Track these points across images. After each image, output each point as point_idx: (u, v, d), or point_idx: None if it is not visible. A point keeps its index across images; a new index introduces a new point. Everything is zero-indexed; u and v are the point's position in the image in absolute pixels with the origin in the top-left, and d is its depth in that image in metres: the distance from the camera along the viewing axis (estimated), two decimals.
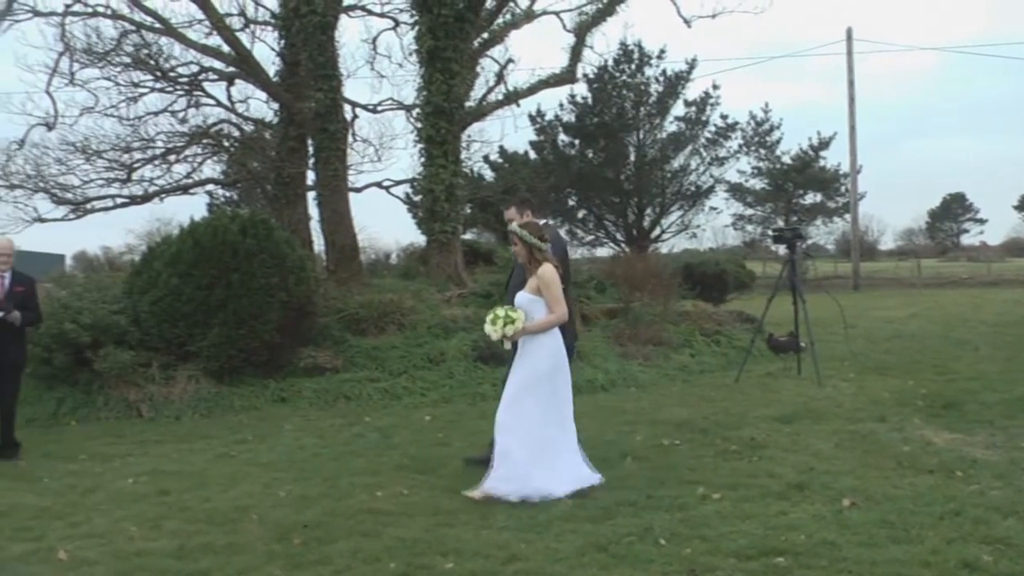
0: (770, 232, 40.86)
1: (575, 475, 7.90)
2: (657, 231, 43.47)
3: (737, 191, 48.98)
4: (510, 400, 8.03)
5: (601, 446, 9.69)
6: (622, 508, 7.27)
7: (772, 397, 12.65)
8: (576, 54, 22.27)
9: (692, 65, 40.60)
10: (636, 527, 6.72)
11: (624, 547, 6.31)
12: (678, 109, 41.66)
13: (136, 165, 21.49)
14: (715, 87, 41.67)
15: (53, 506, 8.04)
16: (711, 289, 22.63)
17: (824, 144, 47.70)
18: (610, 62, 39.37)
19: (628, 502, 7.42)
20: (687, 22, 22.89)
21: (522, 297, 8.08)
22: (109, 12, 19.39)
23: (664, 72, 40.86)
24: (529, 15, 22.66)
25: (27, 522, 7.53)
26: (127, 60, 20.46)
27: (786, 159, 47.79)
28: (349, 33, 49.92)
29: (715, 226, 67.68)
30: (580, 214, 44.20)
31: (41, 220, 20.58)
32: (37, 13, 18.79)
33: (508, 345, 8.18)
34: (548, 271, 7.97)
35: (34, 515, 7.74)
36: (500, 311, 7.99)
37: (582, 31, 22.22)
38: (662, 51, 40.56)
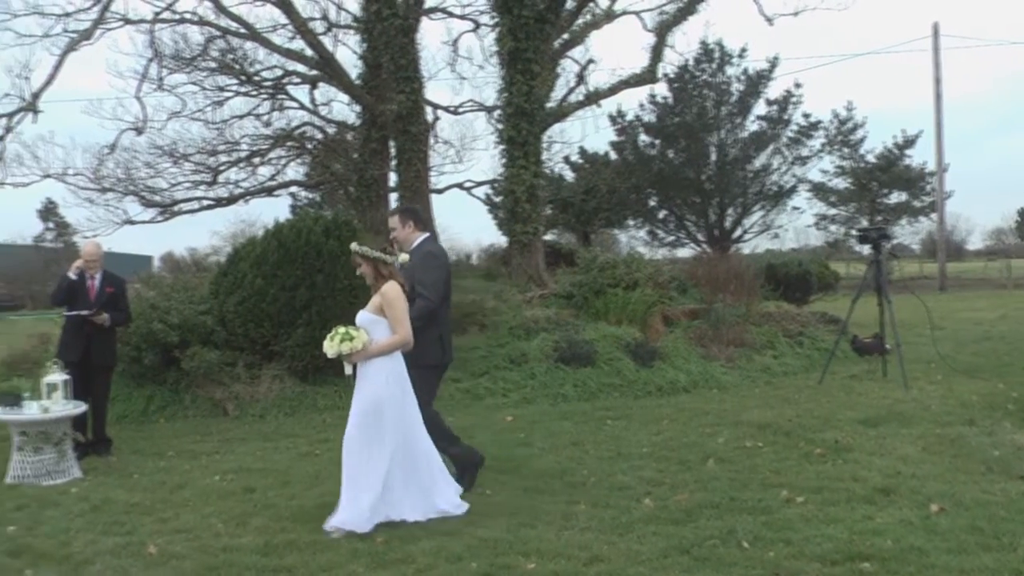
0: (855, 232, 40.27)
1: (428, 505, 7.37)
2: (739, 231, 43.03)
3: (820, 191, 48.25)
4: (352, 433, 7.30)
5: (682, 448, 9.66)
6: (705, 511, 7.22)
7: (857, 400, 12.46)
8: (657, 54, 22.18)
9: (774, 63, 40.15)
10: (719, 530, 6.67)
11: (707, 550, 6.27)
12: (760, 108, 41.21)
13: (222, 168, 21.86)
14: (797, 86, 41.12)
15: (143, 501, 8.20)
16: (794, 290, 22.33)
17: (909, 142, 46.86)
18: (691, 61, 39.06)
19: (711, 504, 7.37)
20: (769, 20, 22.69)
21: (363, 316, 7.46)
22: (196, 19, 19.73)
23: (745, 71, 40.46)
24: (609, 15, 22.62)
25: (119, 516, 7.70)
26: (213, 65, 20.81)
27: (870, 158, 47.00)
28: (430, 36, 50.36)
29: (797, 226, 66.78)
30: (661, 215, 43.88)
31: (131, 222, 21.01)
32: (127, 21, 19.16)
33: (348, 370, 7.48)
34: (391, 289, 7.40)
35: (125, 510, 7.90)
36: (341, 328, 7.31)
37: (663, 30, 22.12)
38: (743, 50, 40.16)
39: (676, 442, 10.03)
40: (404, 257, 8.27)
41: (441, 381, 8.65)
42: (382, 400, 7.25)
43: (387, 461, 7.19)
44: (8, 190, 19.24)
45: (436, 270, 8.09)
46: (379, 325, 7.36)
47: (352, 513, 7.07)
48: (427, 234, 8.44)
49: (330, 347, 7.27)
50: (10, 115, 17.58)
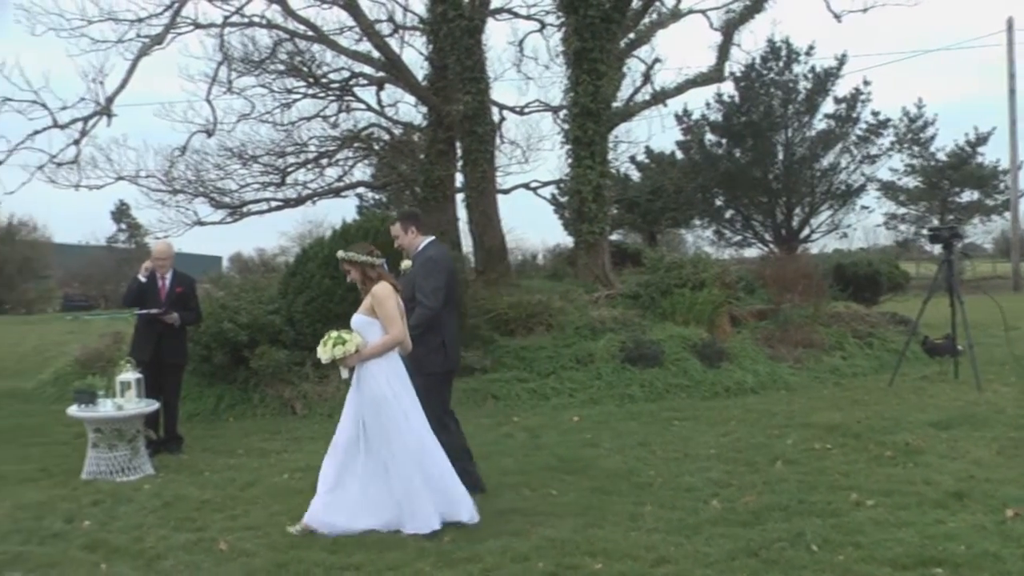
0: (925, 231, 39.71)
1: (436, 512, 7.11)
2: (806, 231, 42.64)
3: (889, 189, 47.63)
4: (351, 436, 7.26)
5: (750, 450, 9.59)
6: (773, 513, 7.16)
7: (928, 402, 12.29)
8: (723, 52, 22.04)
9: (842, 61, 39.73)
10: (787, 532, 6.61)
11: (775, 552, 6.22)
12: (827, 106, 40.81)
13: (290, 169, 22.05)
14: (866, 83, 40.64)
15: (213, 498, 8.31)
16: (863, 290, 22.08)
17: (982, 140, 46.06)
18: (757, 60, 38.80)
19: (779, 507, 7.31)
20: (837, 17, 22.36)
21: (356, 319, 7.37)
22: (265, 22, 19.90)
23: (813, 69, 40.09)
24: (675, 14, 22.51)
25: (190, 513, 7.82)
26: (281, 67, 20.99)
27: (941, 156, 46.29)
28: (496, 36, 50.38)
29: (866, 225, 66.10)
30: (728, 214, 43.63)
31: (201, 223, 21.25)
32: (198, 25, 19.39)
33: (345, 373, 7.35)
34: (381, 289, 7.30)
35: (196, 507, 8.01)
36: (334, 332, 7.23)
37: (729, 29, 21.97)
38: (811, 47, 39.79)
39: (744, 443, 9.96)
40: (407, 264, 8.31)
41: (449, 388, 8.41)
42: (383, 400, 7.16)
43: (416, 455, 7.13)
44: (83, 192, 19.52)
45: (436, 275, 7.97)
46: (373, 327, 7.28)
47: (418, 520, 6.99)
48: (430, 238, 8.34)
49: (323, 352, 7.19)
50: (85, 119, 17.85)
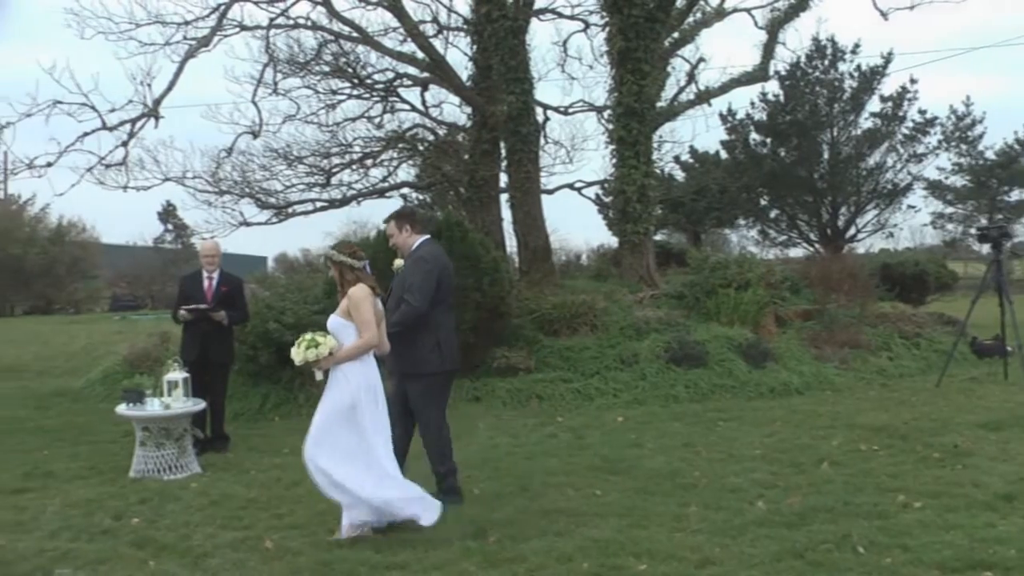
0: (974, 230, 39.27)
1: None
2: (852, 230, 42.36)
3: (936, 188, 47.19)
4: (314, 436, 7.14)
5: (795, 450, 9.54)
6: (819, 514, 7.11)
7: (977, 403, 12.17)
8: (768, 51, 21.91)
9: (888, 59, 39.44)
10: (833, 534, 6.56)
11: (821, 554, 6.17)
12: (873, 105, 40.55)
13: (335, 170, 22.10)
14: (913, 81, 40.31)
15: (259, 497, 8.38)
16: (910, 290, 21.90)
17: None
18: (803, 58, 38.61)
19: (825, 508, 7.26)
20: (884, 15, 22.14)
21: (332, 321, 7.28)
22: (310, 24, 19.98)
23: (859, 67, 39.85)
24: (720, 13, 22.39)
25: (236, 512, 7.89)
26: (326, 69, 21.06)
27: (990, 154, 45.84)
28: (540, 36, 50.36)
29: (912, 225, 65.78)
30: (772, 214, 43.43)
31: (247, 224, 21.33)
32: (244, 27, 19.49)
33: (319, 376, 7.29)
34: (357, 291, 7.19)
35: (242, 505, 8.08)
36: (308, 335, 7.17)
37: (774, 27, 21.84)
38: (856, 45, 39.55)
39: (789, 444, 9.91)
40: (399, 263, 8.27)
41: (448, 390, 8.29)
42: (355, 402, 7.09)
43: (380, 449, 7.14)
44: (130, 193, 19.66)
45: (425, 274, 7.86)
46: (348, 329, 7.19)
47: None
48: (425, 236, 8.24)
49: (297, 354, 7.15)
50: (133, 121, 18.00)
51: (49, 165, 17.60)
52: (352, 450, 7.05)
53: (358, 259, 7.35)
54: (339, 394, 7.13)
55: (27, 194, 53.54)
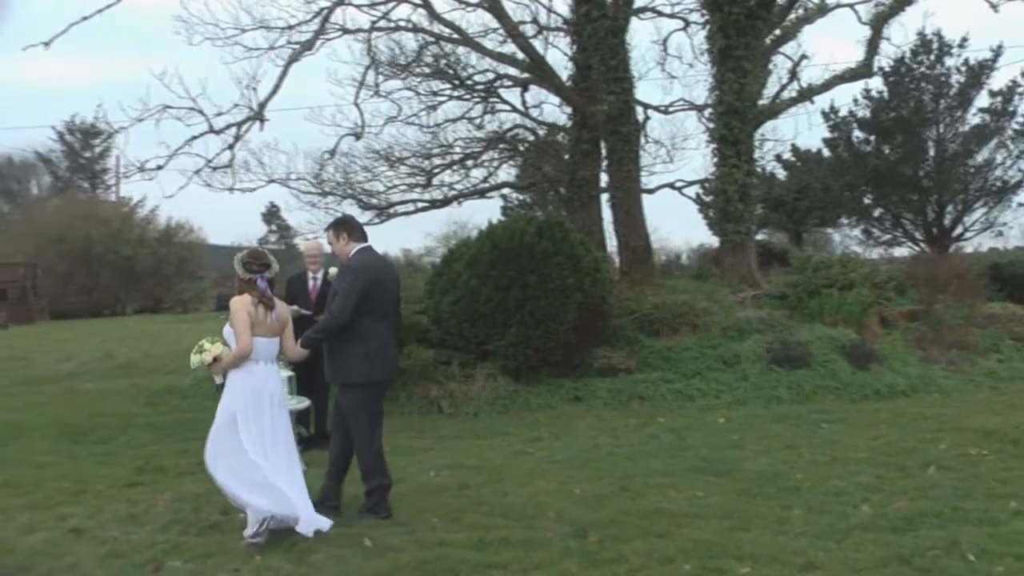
0: None
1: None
2: (959, 229, 41.35)
3: None
4: (209, 440, 7.22)
5: (901, 454, 9.37)
6: (926, 520, 6.97)
7: None
8: (872, 47, 21.50)
9: (998, 52, 38.36)
10: (942, 540, 6.43)
11: (929, 561, 6.06)
12: (982, 100, 39.42)
13: (436, 171, 22.27)
14: None
15: (361, 495, 8.45)
16: (1021, 290, 21.36)
17: None
18: (907, 53, 37.73)
19: (932, 513, 7.12)
20: (994, 6, 21.60)
21: (225, 329, 7.41)
22: (411, 26, 20.15)
23: (966, 61, 38.81)
24: (822, 9, 22.04)
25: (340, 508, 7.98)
26: (427, 70, 21.22)
27: None
28: (639, 35, 50.07)
29: (1023, 223, 64.17)
30: (876, 213, 42.58)
31: None
32: (346, 31, 19.72)
33: (218, 379, 7.42)
34: (234, 302, 7.36)
35: (346, 503, 8.15)
36: (202, 340, 7.41)
37: (878, 23, 21.43)
38: (964, 39, 38.52)
39: (894, 447, 9.74)
40: (333, 271, 8.25)
41: (379, 401, 8.05)
42: (236, 410, 7.14)
43: (259, 465, 7.08)
44: (236, 195, 20.04)
45: (349, 284, 7.74)
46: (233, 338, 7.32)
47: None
48: (362, 245, 8.10)
49: (190, 359, 7.38)
50: (239, 124, 18.36)
51: (159, 168, 18.07)
52: (228, 456, 7.11)
53: (251, 270, 7.45)
54: (225, 401, 7.24)
55: (137, 196, 54.98)
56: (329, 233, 8.28)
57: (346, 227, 8.17)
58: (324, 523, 7.17)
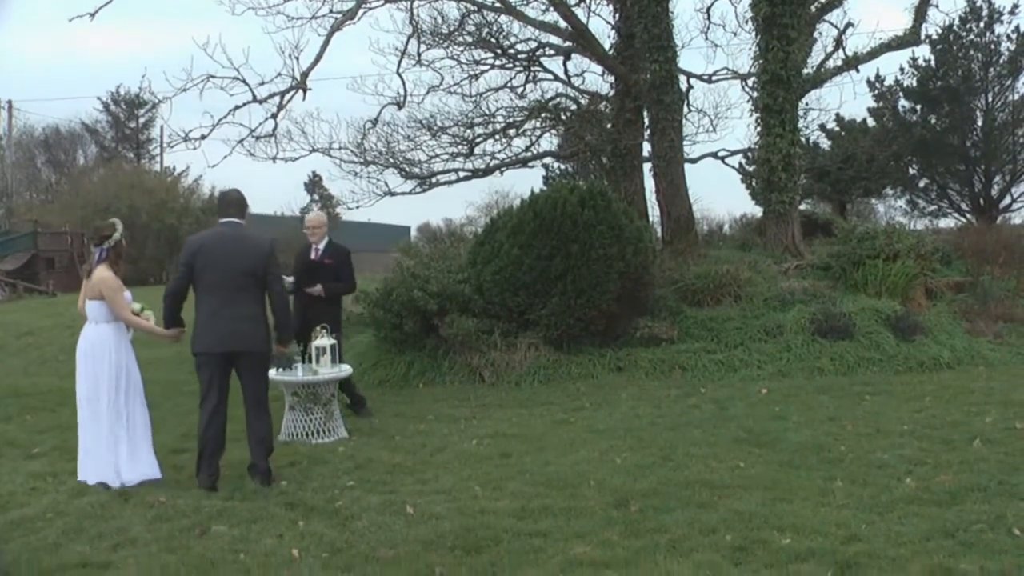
0: None
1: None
2: (1007, 200, 40.84)
3: None
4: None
5: (946, 427, 9.30)
6: (971, 493, 6.91)
7: None
8: (920, 14, 21.20)
9: None
10: (987, 514, 6.37)
11: (973, 535, 6.01)
12: None
13: (478, 140, 22.21)
14: None
15: (404, 463, 8.53)
16: None
17: None
18: (956, 21, 37.26)
19: (978, 487, 7.05)
20: None
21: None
22: None
23: (1017, 28, 38.18)
24: None
25: (382, 476, 8.06)
26: (469, 39, 21.15)
27: None
28: (683, 3, 49.68)
29: None
30: (922, 183, 42.14)
31: (391, 194, 21.60)
32: (388, 0, 19.71)
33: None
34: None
35: (388, 470, 8.24)
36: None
37: None
38: (1015, 6, 37.89)
39: (939, 420, 9.66)
40: None
41: (206, 372, 8.06)
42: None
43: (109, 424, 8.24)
44: (279, 164, 20.11)
45: (182, 256, 8.24)
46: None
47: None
48: (222, 220, 8.33)
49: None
50: (282, 93, 18.38)
51: (203, 138, 18.13)
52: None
53: (94, 243, 8.50)
54: None
55: (181, 166, 55.28)
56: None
57: (219, 202, 8.74)
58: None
